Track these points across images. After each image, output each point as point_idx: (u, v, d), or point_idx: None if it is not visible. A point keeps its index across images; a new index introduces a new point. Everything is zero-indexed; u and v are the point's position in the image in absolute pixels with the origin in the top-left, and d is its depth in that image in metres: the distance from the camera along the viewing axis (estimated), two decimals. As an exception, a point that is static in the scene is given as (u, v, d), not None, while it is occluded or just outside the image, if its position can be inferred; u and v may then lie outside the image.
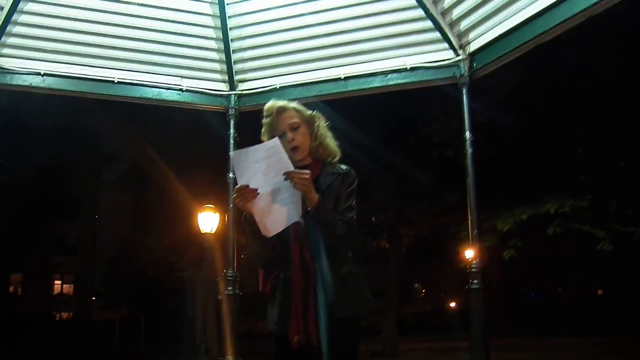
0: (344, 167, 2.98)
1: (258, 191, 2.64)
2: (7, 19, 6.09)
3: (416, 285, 49.15)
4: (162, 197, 20.17)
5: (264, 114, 3.00)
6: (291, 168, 2.62)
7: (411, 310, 41.99)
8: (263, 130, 3.02)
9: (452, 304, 42.89)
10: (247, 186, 2.64)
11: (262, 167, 2.63)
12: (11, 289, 42.99)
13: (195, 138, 17.31)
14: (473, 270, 5.82)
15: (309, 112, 3.02)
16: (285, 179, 2.60)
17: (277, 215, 2.69)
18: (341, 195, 2.87)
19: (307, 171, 2.67)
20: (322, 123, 3.03)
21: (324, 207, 2.72)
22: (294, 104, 3.01)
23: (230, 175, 7.00)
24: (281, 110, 2.96)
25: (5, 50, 6.37)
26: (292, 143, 2.88)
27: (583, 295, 43.53)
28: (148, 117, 17.12)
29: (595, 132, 12.93)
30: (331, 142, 3.03)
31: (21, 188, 24.74)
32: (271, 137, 2.93)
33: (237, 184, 2.68)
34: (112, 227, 41.54)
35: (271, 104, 3.00)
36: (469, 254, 6.09)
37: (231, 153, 2.72)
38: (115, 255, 35.97)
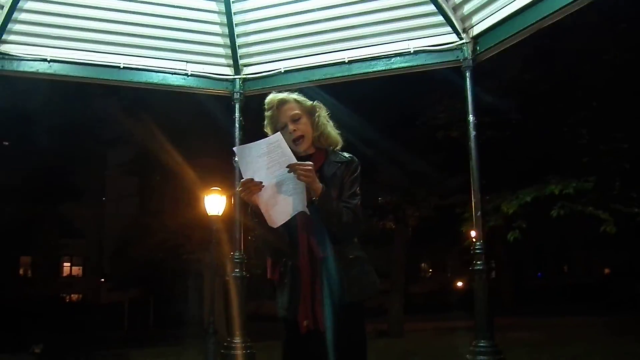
0: (347, 155, 3.04)
1: (263, 184, 2.71)
2: (13, 6, 6.13)
3: (423, 265, 49.30)
4: (168, 180, 20.29)
5: (266, 107, 3.05)
6: (294, 161, 2.69)
7: (418, 290, 42.15)
8: (265, 122, 3.07)
9: (459, 284, 43.02)
10: (252, 179, 2.70)
11: (265, 161, 2.70)
12: (21, 271, 43.32)
13: (201, 121, 17.37)
14: (477, 251, 5.89)
15: (310, 102, 3.07)
16: (289, 172, 2.66)
17: (282, 206, 2.77)
18: (345, 182, 2.93)
19: (310, 162, 2.73)
20: (323, 113, 3.08)
21: (329, 195, 2.78)
22: (294, 96, 3.05)
23: (236, 159, 7.06)
24: (282, 102, 3.00)
25: (12, 37, 6.42)
26: (294, 134, 2.93)
27: (590, 274, 43.60)
28: (154, 100, 17.18)
29: (599, 114, 12.92)
30: (332, 131, 3.08)
31: (28, 172, 24.87)
32: (273, 129, 3.01)
33: (242, 178, 2.74)
34: (119, 210, 41.81)
35: (272, 97, 3.05)
36: (473, 235, 6.14)
37: (234, 148, 2.77)
38: (122, 237, 36.19)
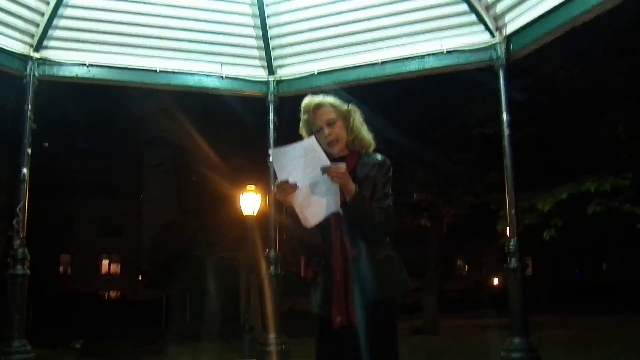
0: (379, 156, 3.10)
1: (297, 185, 2.79)
2: (54, 13, 6.32)
3: (458, 262, 49.01)
4: (205, 179, 20.48)
5: (302, 110, 3.12)
6: (327, 163, 2.76)
7: (453, 287, 41.90)
8: (301, 125, 3.14)
9: (495, 281, 42.70)
10: (287, 181, 2.79)
11: (300, 163, 2.79)
12: (61, 269, 44.11)
13: (237, 121, 17.51)
14: (511, 249, 5.90)
15: (345, 106, 3.13)
16: (322, 174, 2.74)
17: (316, 207, 2.86)
18: (378, 183, 3.00)
19: (343, 164, 2.81)
20: (357, 116, 3.14)
21: (362, 196, 2.85)
22: (330, 99, 3.12)
23: (271, 159, 7.16)
24: (318, 106, 3.08)
25: (52, 43, 6.61)
26: (329, 138, 3.01)
27: (628, 272, 42.89)
28: (190, 101, 17.38)
29: (636, 112, 12.74)
30: (366, 134, 3.15)
31: (67, 172, 25.35)
32: (309, 132, 3.09)
33: (277, 179, 2.83)
34: (156, 209, 42.31)
35: (308, 100, 3.11)
36: (507, 233, 6.16)
37: (270, 150, 2.86)
38: (159, 236, 36.62)
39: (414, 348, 13.63)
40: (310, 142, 2.81)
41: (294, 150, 2.80)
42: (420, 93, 14.48)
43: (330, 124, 3.03)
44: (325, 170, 2.73)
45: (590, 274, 44.22)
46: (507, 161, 6.06)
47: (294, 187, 2.80)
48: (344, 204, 2.83)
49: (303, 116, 3.11)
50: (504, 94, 6.13)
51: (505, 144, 6.08)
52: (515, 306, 5.80)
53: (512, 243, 5.92)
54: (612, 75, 13.03)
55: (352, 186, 2.80)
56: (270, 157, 7.40)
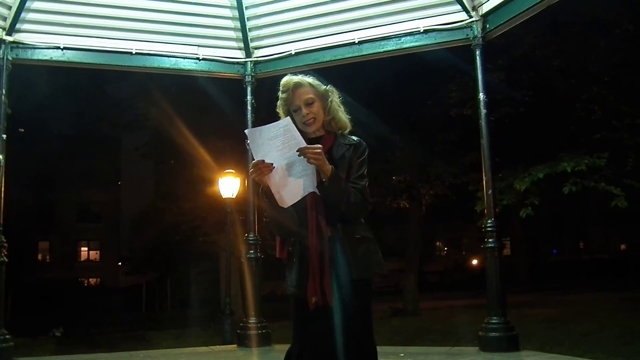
0: (355, 138, 3.12)
1: (273, 165, 2.79)
2: (26, -5, 6.22)
3: (437, 243, 49.33)
4: (183, 163, 20.39)
5: (281, 89, 3.12)
6: (303, 144, 2.76)
7: (432, 268, 42.22)
8: (279, 103, 3.14)
9: (474, 262, 43.05)
10: (263, 161, 2.79)
11: (276, 143, 2.78)
12: (39, 256, 43.77)
13: (214, 104, 17.42)
14: (488, 229, 5.94)
15: (324, 87, 3.14)
16: (299, 155, 2.74)
17: (292, 187, 2.86)
18: (353, 164, 3.01)
19: (319, 145, 2.81)
20: (335, 98, 3.15)
21: (338, 176, 2.86)
22: (309, 79, 3.12)
23: (249, 141, 7.13)
24: (297, 86, 3.07)
25: (25, 26, 6.51)
26: (307, 117, 3.01)
27: (606, 250, 43.47)
28: (167, 84, 17.26)
29: (612, 89, 12.85)
30: (343, 116, 3.16)
31: (44, 158, 25.08)
32: (286, 110, 3.09)
33: (253, 159, 2.82)
34: (134, 194, 42.15)
35: (287, 79, 3.11)
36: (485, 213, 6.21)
37: (246, 131, 2.83)
38: (138, 221, 36.46)
39: (394, 329, 13.71)
40: (286, 123, 2.81)
41: (270, 131, 2.80)
42: (399, 73, 14.45)
43: (309, 103, 3.04)
44: (301, 151, 2.73)
45: (569, 252, 44.75)
46: (485, 141, 6.09)
47: (269, 167, 2.79)
48: (320, 184, 2.83)
49: (282, 95, 3.11)
50: (480, 74, 6.15)
51: (483, 123, 6.11)
52: (493, 285, 5.85)
53: (489, 222, 5.96)
54: (589, 53, 13.11)
55: (328, 167, 2.80)
56: (247, 138, 7.39)
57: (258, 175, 2.81)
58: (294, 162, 2.80)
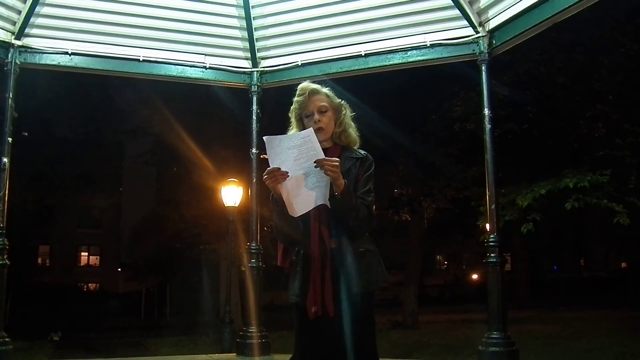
0: (362, 152, 3.15)
1: (288, 174, 2.81)
2: (36, 0, 6.25)
3: (438, 257, 49.24)
4: (186, 171, 20.43)
5: (298, 92, 3.15)
6: (322, 155, 2.79)
7: (433, 282, 42.15)
8: (293, 107, 3.17)
9: (474, 276, 42.95)
10: (279, 169, 2.81)
11: (294, 153, 2.81)
12: (39, 260, 43.70)
13: (219, 113, 17.47)
14: (491, 244, 5.94)
15: (338, 100, 3.19)
16: (315, 167, 2.77)
17: (304, 197, 2.88)
18: (360, 179, 3.04)
19: (337, 159, 2.84)
20: (348, 112, 3.21)
21: (350, 192, 2.90)
22: (326, 90, 3.18)
23: (254, 150, 7.18)
24: (313, 92, 3.12)
25: (34, 31, 6.55)
26: (318, 124, 3.05)
27: (606, 268, 43.38)
28: (171, 91, 17.29)
29: (616, 107, 12.90)
30: (353, 131, 3.20)
31: (47, 162, 25.07)
32: (299, 115, 3.14)
33: (268, 166, 2.84)
34: (136, 200, 42.13)
35: (305, 84, 3.16)
36: (487, 228, 6.22)
37: (265, 138, 2.85)
38: (139, 227, 36.44)
39: (393, 342, 13.71)
40: (308, 133, 2.84)
41: (290, 140, 2.84)
42: (404, 87, 14.51)
43: (322, 111, 3.08)
44: (319, 162, 2.75)
45: (569, 269, 44.65)
46: (488, 156, 6.09)
47: (284, 175, 2.82)
48: (332, 197, 2.86)
49: (297, 98, 3.14)
50: (486, 89, 6.16)
51: (487, 138, 6.11)
52: (494, 300, 5.84)
53: (492, 237, 5.96)
54: (593, 71, 13.17)
55: (342, 181, 2.83)
56: (253, 149, 7.45)
57: (272, 182, 2.84)
58: (309, 172, 2.83)
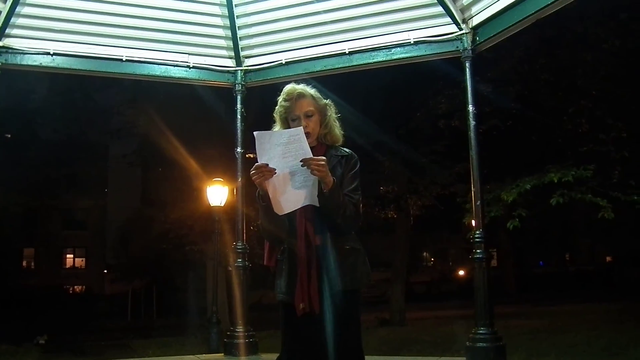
0: (347, 150, 3.15)
1: (275, 171, 2.80)
2: (16, 0, 6.18)
3: (424, 254, 49.41)
4: (171, 171, 20.34)
5: (284, 96, 3.13)
6: (310, 155, 2.78)
7: (419, 279, 42.25)
8: (278, 109, 3.15)
9: (460, 273, 43.13)
10: (267, 165, 2.79)
11: (282, 150, 2.80)
12: (24, 263, 43.42)
13: (203, 112, 17.40)
14: (476, 240, 5.96)
15: (323, 101, 3.18)
16: (302, 166, 2.76)
17: (291, 196, 2.88)
18: (346, 177, 3.05)
19: (323, 158, 2.83)
20: (333, 113, 3.21)
21: (339, 189, 2.89)
22: (312, 91, 3.16)
23: (239, 149, 7.15)
24: (300, 96, 3.10)
25: (15, 31, 6.47)
26: (305, 130, 3.01)
27: (592, 262, 43.70)
28: (156, 92, 17.23)
29: (599, 103, 12.99)
30: (338, 130, 3.21)
31: (30, 164, 24.90)
32: (284, 118, 3.12)
33: (256, 162, 2.83)
34: (121, 201, 41.93)
35: (291, 88, 3.13)
36: (473, 224, 6.25)
37: (255, 133, 2.83)
38: (125, 229, 36.27)
39: (381, 339, 13.72)
40: (297, 132, 2.82)
41: (281, 137, 2.82)
42: (388, 84, 14.54)
43: (309, 116, 3.08)
44: (305, 161, 2.75)
45: (555, 264, 44.96)
46: (473, 152, 6.10)
47: (272, 171, 2.80)
48: (320, 194, 2.85)
49: (284, 102, 3.12)
50: (470, 86, 6.17)
51: (472, 135, 6.12)
52: (481, 295, 5.85)
53: (477, 233, 5.98)
54: (577, 67, 13.25)
55: (330, 179, 2.83)
56: (238, 148, 7.43)
57: (259, 178, 2.83)
58: (297, 171, 2.83)
